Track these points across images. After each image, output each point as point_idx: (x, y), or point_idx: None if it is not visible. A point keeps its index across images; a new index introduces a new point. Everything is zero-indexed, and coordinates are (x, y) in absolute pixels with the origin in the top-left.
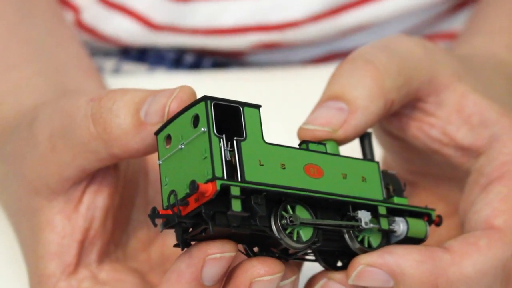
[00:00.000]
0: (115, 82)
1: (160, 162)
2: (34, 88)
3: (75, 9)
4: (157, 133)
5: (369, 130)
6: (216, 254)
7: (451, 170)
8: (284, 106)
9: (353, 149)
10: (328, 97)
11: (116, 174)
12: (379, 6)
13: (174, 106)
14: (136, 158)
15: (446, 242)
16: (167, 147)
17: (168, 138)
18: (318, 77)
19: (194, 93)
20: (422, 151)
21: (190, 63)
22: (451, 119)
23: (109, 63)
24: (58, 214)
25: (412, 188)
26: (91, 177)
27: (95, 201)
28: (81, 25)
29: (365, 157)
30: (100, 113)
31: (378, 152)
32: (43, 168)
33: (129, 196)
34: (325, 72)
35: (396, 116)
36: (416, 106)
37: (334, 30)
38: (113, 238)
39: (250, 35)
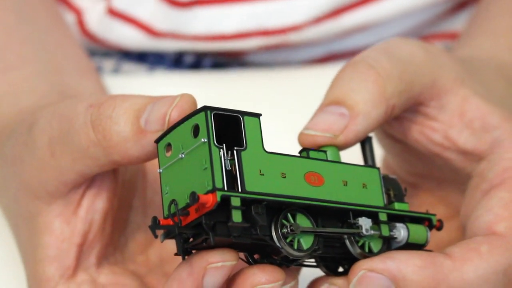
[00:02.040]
0: (114, 82)
1: (161, 170)
2: (32, 89)
3: (77, 12)
4: (157, 141)
5: (370, 133)
6: (217, 263)
7: (452, 173)
8: (284, 106)
9: (354, 152)
10: (329, 102)
11: (115, 177)
12: (379, 7)
13: (175, 115)
14: (136, 164)
15: (448, 247)
16: (168, 155)
17: (169, 146)
18: (318, 77)
19: (195, 102)
20: (423, 154)
21: (190, 63)
22: (453, 123)
23: (108, 63)
24: (57, 217)
25: (413, 190)
26: (90, 180)
27: (94, 205)
28: (83, 30)
29: (366, 161)
30: (99, 120)
31: (379, 153)
32: (42, 173)
33: (127, 198)
34: (324, 72)
35: (397, 119)
36: (418, 110)
37: (335, 31)
38: (111, 241)
39: (252, 39)
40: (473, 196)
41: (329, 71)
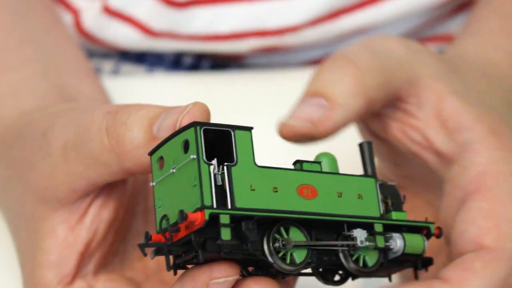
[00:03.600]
0: (113, 83)
1: (154, 184)
2: (32, 90)
3: (74, 12)
4: (151, 153)
5: (369, 139)
6: (219, 279)
7: (434, 176)
8: (283, 107)
9: (353, 158)
10: (309, 93)
11: (124, 188)
12: (377, 10)
13: (186, 122)
14: (148, 173)
15: (441, 271)
16: (160, 169)
17: (161, 159)
18: None
19: (207, 110)
20: (407, 155)
21: (189, 64)
22: (430, 122)
23: (107, 65)
24: (62, 224)
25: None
26: (99, 190)
27: (100, 214)
28: (80, 30)
29: (365, 167)
30: (114, 127)
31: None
32: (53, 178)
33: (132, 205)
34: None
35: (379, 117)
36: (397, 106)
37: (333, 33)
38: (112, 249)
39: (249, 40)
40: (449, 203)
41: None
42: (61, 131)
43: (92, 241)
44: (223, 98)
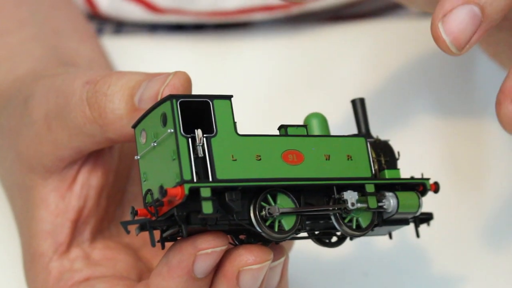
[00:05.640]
0: (115, 44)
1: (138, 157)
2: (29, 54)
3: None
4: (134, 126)
5: (362, 96)
6: (207, 250)
7: None
8: (287, 66)
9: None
10: None
11: (111, 152)
12: None
13: (167, 93)
14: (132, 142)
15: None
16: (143, 142)
17: (144, 132)
18: (325, 38)
19: (188, 79)
20: None
21: (192, 25)
22: None
23: (109, 26)
24: (52, 192)
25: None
26: (86, 157)
27: (90, 180)
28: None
29: (358, 125)
30: (95, 98)
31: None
32: (39, 147)
33: (124, 170)
34: (334, 31)
35: None
36: None
37: (341, 2)
38: (107, 215)
39: (255, 14)
40: None
41: (338, 30)
42: (42, 99)
43: (84, 208)
44: (226, 59)
